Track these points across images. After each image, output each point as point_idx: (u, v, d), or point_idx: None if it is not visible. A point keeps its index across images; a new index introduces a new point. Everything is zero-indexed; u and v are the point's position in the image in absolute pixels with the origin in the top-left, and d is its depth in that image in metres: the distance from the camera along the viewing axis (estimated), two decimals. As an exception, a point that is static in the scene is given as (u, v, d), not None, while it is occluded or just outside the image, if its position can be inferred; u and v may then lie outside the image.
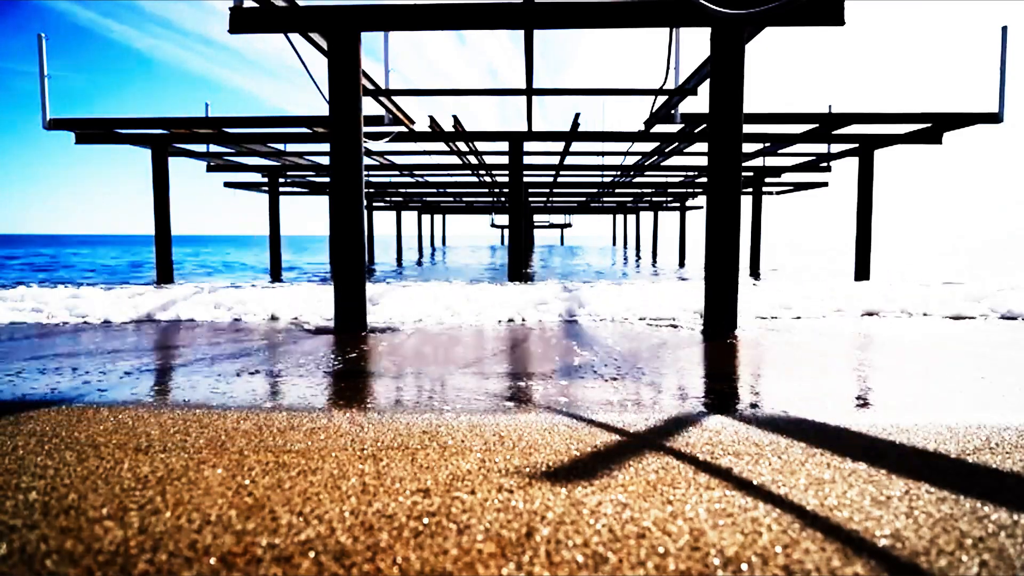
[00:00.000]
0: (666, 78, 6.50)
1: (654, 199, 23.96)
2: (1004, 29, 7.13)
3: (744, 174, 14.88)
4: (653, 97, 7.33)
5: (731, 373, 3.65)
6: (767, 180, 16.35)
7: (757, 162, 13.73)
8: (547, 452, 2.11)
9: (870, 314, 6.25)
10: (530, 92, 7.21)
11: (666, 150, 11.37)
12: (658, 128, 9.43)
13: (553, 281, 9.36)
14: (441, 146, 10.94)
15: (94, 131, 9.35)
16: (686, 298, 6.64)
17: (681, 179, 16.46)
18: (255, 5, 4.95)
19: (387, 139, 9.21)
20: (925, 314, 6.19)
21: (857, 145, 10.92)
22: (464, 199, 24.40)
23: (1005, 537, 1.46)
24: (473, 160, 12.70)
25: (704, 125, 8.79)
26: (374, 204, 24.48)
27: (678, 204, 24.99)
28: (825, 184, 16.24)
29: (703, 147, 10.99)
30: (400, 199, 23.96)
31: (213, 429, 2.39)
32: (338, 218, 5.36)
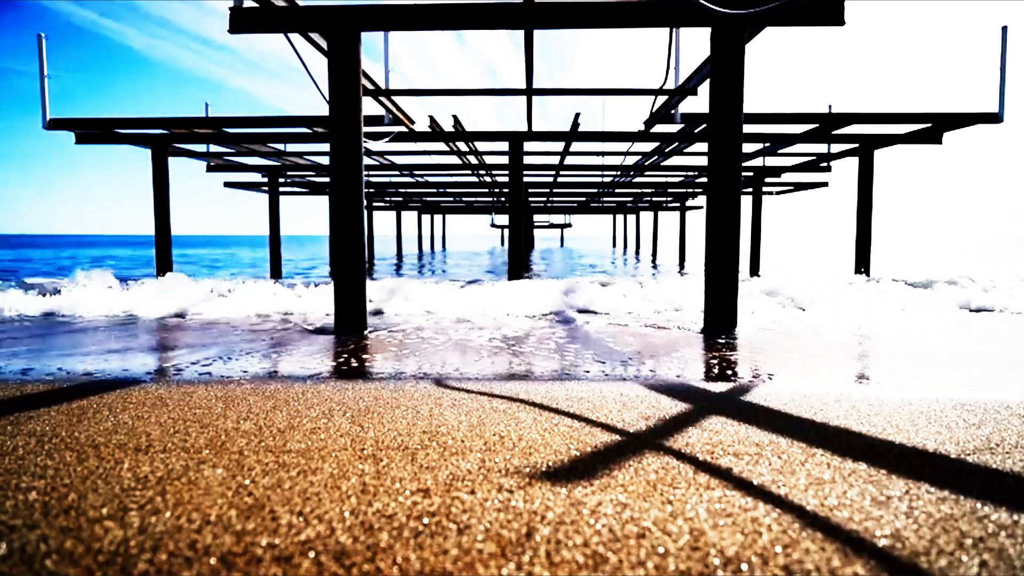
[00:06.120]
0: (666, 78, 6.50)
1: (654, 199, 23.96)
2: (1004, 29, 7.13)
3: (744, 174, 14.88)
4: (653, 97, 7.33)
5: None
6: (767, 180, 16.34)
7: (757, 162, 13.72)
8: (547, 452, 2.11)
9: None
10: (530, 92, 7.21)
11: (666, 150, 11.37)
12: (658, 128, 9.43)
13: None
14: (441, 146, 10.94)
15: (94, 131, 9.34)
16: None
17: (681, 179, 16.46)
18: (255, 5, 4.94)
19: (387, 139, 9.21)
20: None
21: (857, 145, 10.91)
22: (464, 199, 24.39)
23: (1005, 537, 1.45)
24: (473, 160, 12.70)
25: (704, 125, 8.79)
26: (374, 204, 24.47)
27: (678, 204, 24.99)
28: (825, 184, 16.24)
29: (703, 147, 10.98)
30: (400, 199, 23.95)
31: (213, 429, 2.39)
32: (338, 218, 5.36)
